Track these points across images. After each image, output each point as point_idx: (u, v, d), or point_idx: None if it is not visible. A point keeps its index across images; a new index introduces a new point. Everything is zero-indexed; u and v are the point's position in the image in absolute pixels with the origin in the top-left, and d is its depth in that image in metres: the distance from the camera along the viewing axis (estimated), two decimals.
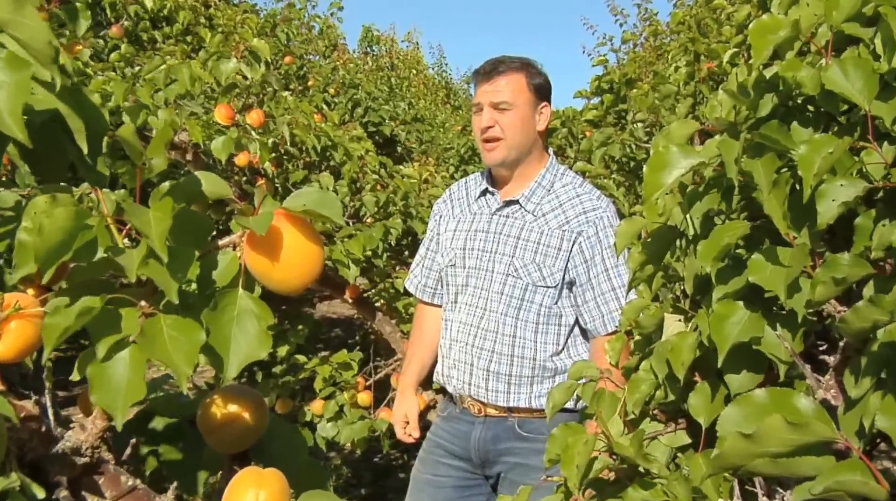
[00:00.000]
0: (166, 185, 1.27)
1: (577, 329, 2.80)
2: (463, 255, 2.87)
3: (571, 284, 2.73)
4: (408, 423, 2.96)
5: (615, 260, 2.67)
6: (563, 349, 2.76)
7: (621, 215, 3.58)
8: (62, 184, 1.38)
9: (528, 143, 2.81)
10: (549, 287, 2.71)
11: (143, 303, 1.26)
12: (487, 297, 2.79)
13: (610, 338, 2.52)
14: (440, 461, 2.89)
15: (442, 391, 3.07)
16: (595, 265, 2.69)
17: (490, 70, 2.80)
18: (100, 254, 1.22)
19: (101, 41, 5.43)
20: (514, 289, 2.75)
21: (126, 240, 1.29)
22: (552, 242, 2.72)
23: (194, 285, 1.32)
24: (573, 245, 2.70)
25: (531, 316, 2.74)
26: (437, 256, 3.03)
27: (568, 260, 2.70)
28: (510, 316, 2.75)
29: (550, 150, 2.96)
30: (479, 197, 2.93)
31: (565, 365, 2.72)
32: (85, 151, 1.23)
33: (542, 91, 2.83)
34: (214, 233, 4.13)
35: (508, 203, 2.85)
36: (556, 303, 2.73)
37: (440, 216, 3.06)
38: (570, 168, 5.21)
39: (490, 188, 2.92)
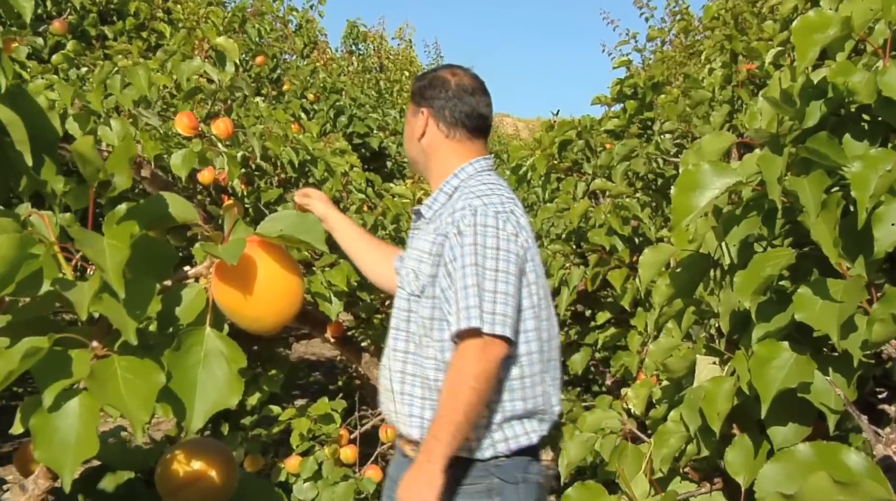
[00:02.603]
0: (123, 208, 1.28)
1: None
2: None
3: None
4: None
5: (484, 261, 2.65)
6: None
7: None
8: (1, 207, 1.39)
9: (413, 152, 3.04)
10: (422, 296, 2.77)
11: (95, 344, 1.27)
12: (392, 313, 2.94)
13: (476, 341, 2.55)
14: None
15: None
16: (456, 262, 2.68)
17: None
18: (45, 287, 1.22)
19: (40, 39, 5.43)
20: (400, 300, 2.86)
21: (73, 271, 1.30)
22: (425, 246, 2.80)
23: (155, 324, 1.33)
24: (442, 248, 2.75)
25: (417, 329, 2.81)
26: None
27: (437, 266, 2.76)
28: (401, 330, 2.85)
29: (480, 158, 3.01)
30: None
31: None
32: (30, 163, 1.24)
33: (417, 96, 3.01)
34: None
35: (418, 215, 3.01)
36: (433, 317, 2.76)
37: None
38: (588, 186, 5.24)
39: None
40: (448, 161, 2.96)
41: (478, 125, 2.99)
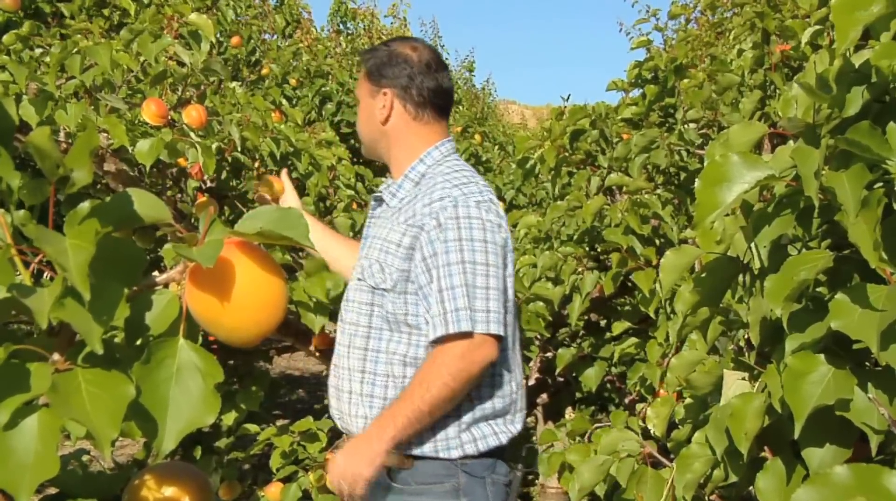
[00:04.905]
0: (86, 206, 1.28)
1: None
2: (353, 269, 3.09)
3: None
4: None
5: (472, 255, 2.71)
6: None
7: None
8: None
9: (371, 135, 3.08)
10: (391, 291, 2.81)
11: (56, 356, 1.28)
12: (345, 307, 3.00)
13: (464, 342, 2.60)
14: None
15: None
16: (437, 258, 2.73)
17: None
18: (1, 294, 1.23)
19: None
20: (359, 292, 2.91)
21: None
22: (393, 236, 2.84)
23: (122, 334, 1.33)
24: (416, 240, 2.79)
25: (381, 323, 2.85)
26: None
27: (410, 260, 2.80)
28: (361, 325, 2.89)
29: (444, 140, 3.06)
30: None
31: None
32: None
33: (374, 74, 3.02)
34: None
35: (379, 201, 3.08)
36: (407, 313, 2.79)
37: None
38: (603, 181, 5.24)
39: (379, 188, 3.16)
40: (413, 145, 3.01)
41: (445, 103, 3.05)
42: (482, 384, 2.79)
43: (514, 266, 2.93)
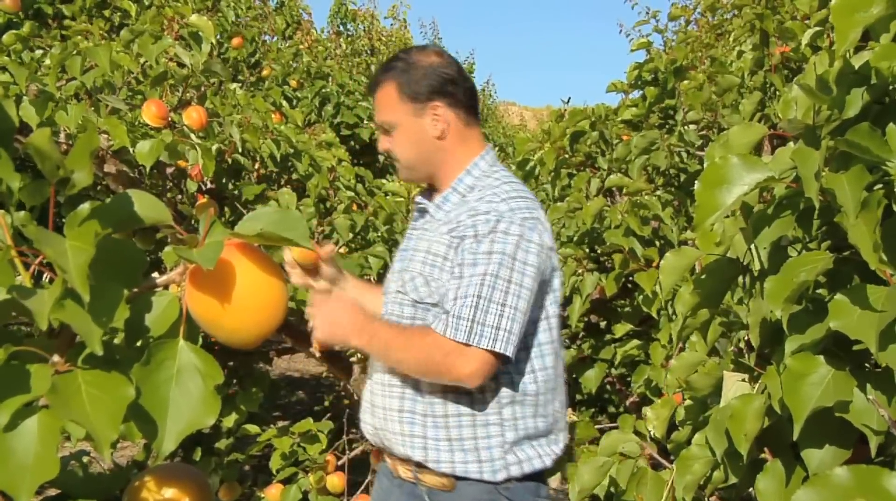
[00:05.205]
0: (86, 207, 1.28)
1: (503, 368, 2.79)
2: (389, 280, 2.99)
3: None
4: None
5: (497, 269, 2.64)
6: (467, 407, 2.75)
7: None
8: None
9: (425, 156, 2.89)
10: (436, 305, 2.74)
11: (56, 358, 1.28)
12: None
13: (450, 347, 2.57)
14: None
15: None
16: (464, 268, 2.69)
17: (370, 84, 2.92)
18: (1, 296, 1.23)
19: None
20: (402, 307, 2.82)
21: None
22: (439, 249, 2.77)
23: (121, 336, 1.33)
24: (456, 252, 2.73)
25: None
26: None
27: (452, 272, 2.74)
28: None
29: (488, 148, 2.98)
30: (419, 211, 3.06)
31: (483, 416, 2.73)
32: None
33: (422, 92, 2.83)
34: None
35: (423, 212, 2.97)
36: None
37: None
38: (603, 182, 5.24)
39: (419, 199, 3.03)
40: (461, 156, 2.91)
41: (478, 105, 2.96)
42: (527, 403, 2.76)
43: (561, 288, 2.88)
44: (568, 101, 7.39)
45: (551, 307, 2.82)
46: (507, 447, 2.68)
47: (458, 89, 2.86)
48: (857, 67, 1.54)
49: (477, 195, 2.81)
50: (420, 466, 2.77)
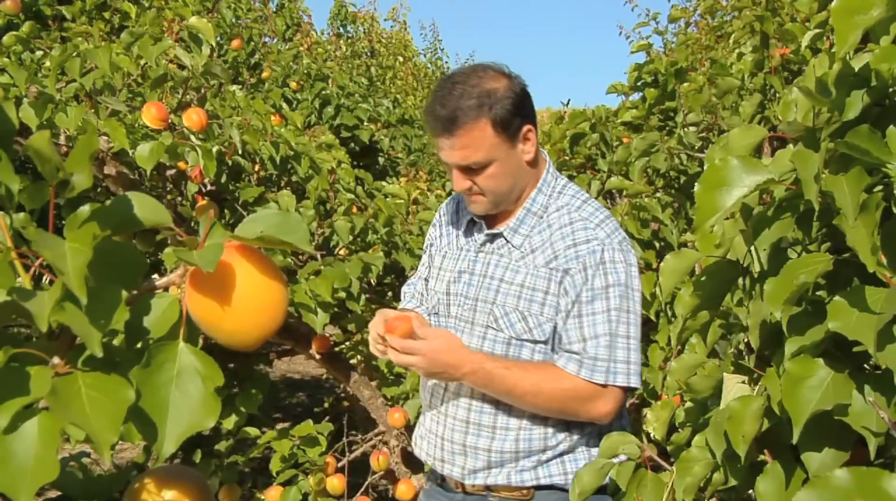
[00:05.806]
0: (86, 209, 1.29)
1: None
2: (447, 302, 2.90)
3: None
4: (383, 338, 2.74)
5: (618, 302, 2.65)
6: (560, 422, 2.76)
7: (669, 252, 3.56)
8: None
9: (520, 184, 2.80)
10: (536, 341, 2.71)
11: (56, 360, 1.28)
12: None
13: (589, 390, 2.58)
14: None
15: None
16: (582, 306, 2.66)
17: (447, 122, 2.69)
18: (1, 298, 1.23)
19: None
20: (494, 344, 2.75)
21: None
22: (538, 284, 2.71)
23: (122, 338, 1.33)
24: (560, 286, 2.69)
25: None
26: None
27: (557, 306, 2.70)
28: None
29: (546, 158, 2.92)
30: (467, 227, 2.96)
31: (570, 443, 2.74)
32: None
33: (513, 121, 2.70)
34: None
35: (493, 237, 2.87)
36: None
37: (431, 245, 3.09)
38: (603, 184, 5.24)
39: (476, 218, 2.92)
40: (536, 175, 2.85)
41: None
42: (588, 427, 2.79)
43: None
44: (568, 103, 7.40)
45: None
46: (593, 455, 2.71)
47: (530, 102, 2.78)
48: (856, 70, 1.54)
49: (559, 217, 2.77)
50: (528, 492, 2.77)
